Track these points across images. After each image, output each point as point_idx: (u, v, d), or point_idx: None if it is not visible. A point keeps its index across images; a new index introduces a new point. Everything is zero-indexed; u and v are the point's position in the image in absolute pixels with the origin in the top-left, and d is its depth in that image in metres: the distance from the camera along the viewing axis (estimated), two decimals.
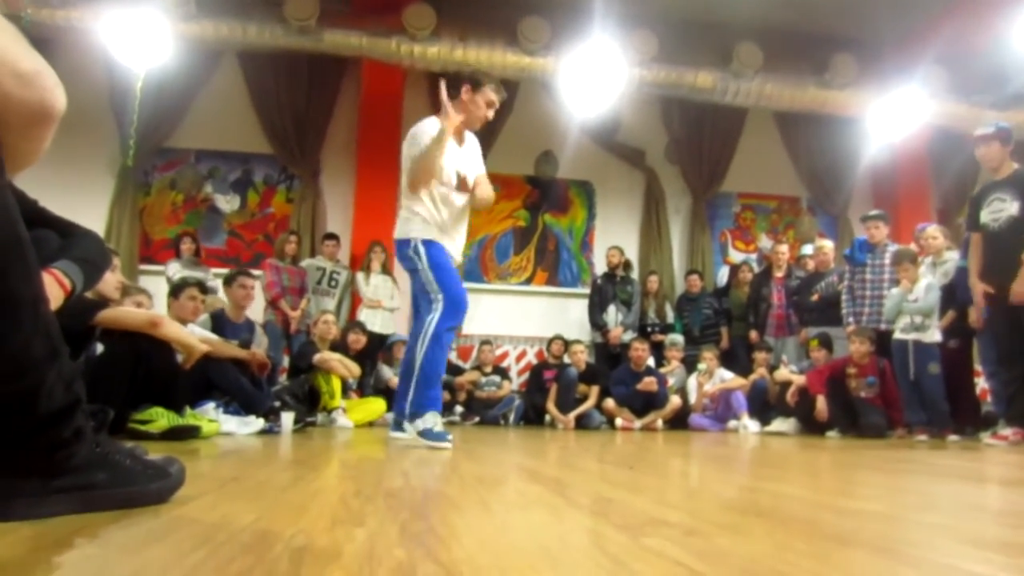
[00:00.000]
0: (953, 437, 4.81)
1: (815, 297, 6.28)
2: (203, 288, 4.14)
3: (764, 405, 6.12)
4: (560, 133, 7.98)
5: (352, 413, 5.07)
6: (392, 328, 6.65)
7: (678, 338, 6.98)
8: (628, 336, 6.89)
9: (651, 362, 6.56)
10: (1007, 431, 4.31)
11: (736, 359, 6.85)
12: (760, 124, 8.49)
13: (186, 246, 6.54)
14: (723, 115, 8.15)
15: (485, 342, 6.97)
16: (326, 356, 5.12)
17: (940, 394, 4.90)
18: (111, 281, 3.30)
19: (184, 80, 7.27)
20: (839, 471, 2.38)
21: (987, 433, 4.66)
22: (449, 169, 3.14)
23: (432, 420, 2.92)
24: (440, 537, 0.94)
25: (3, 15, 0.89)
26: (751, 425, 5.87)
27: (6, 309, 0.91)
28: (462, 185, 3.21)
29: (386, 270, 6.73)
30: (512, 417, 6.54)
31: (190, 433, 3.05)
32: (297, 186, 7.61)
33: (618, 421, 6.23)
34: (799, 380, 5.61)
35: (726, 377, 6.29)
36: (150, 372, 3.06)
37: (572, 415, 6.25)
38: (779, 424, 5.71)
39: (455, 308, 3.06)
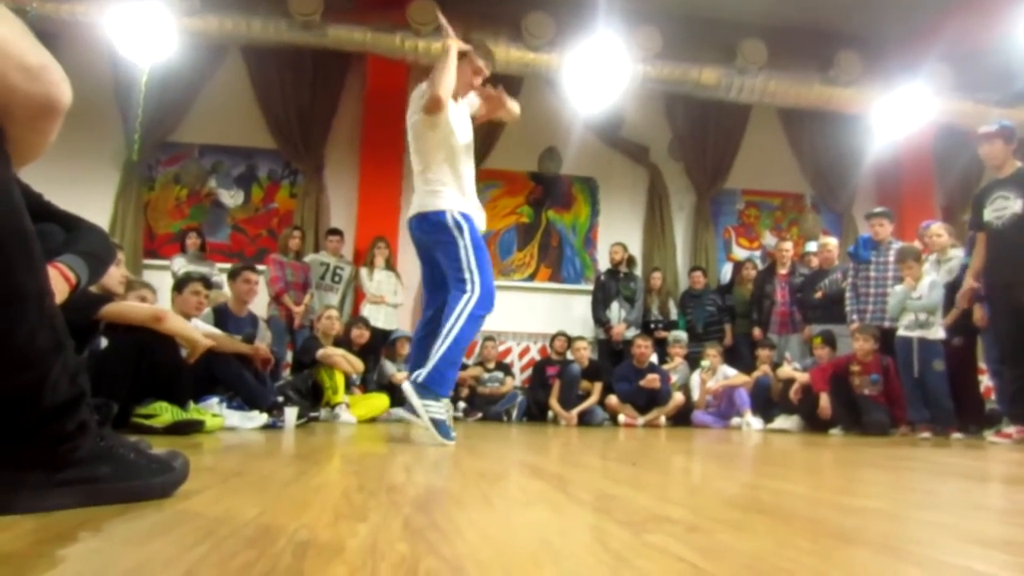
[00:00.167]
0: (957, 435, 4.81)
1: (819, 294, 6.27)
2: (207, 283, 4.15)
3: (767, 402, 6.11)
4: (564, 129, 7.97)
5: (355, 409, 5.08)
6: (395, 324, 6.66)
7: (681, 335, 6.98)
8: (631, 333, 6.89)
9: (654, 359, 6.56)
10: (1011, 429, 4.30)
11: (739, 356, 6.84)
12: (764, 121, 8.47)
13: (191, 241, 6.54)
14: (727, 112, 8.13)
15: (488, 338, 6.98)
16: (329, 351, 5.13)
17: (944, 391, 4.89)
18: (115, 275, 3.31)
19: (188, 75, 7.28)
20: (842, 469, 2.38)
21: (991, 431, 4.65)
22: (457, 129, 3.08)
23: (445, 410, 2.88)
24: (443, 532, 0.94)
25: (9, 9, 0.89)
26: (754, 422, 5.87)
27: (12, 302, 0.91)
28: (490, 98, 3.17)
29: (389, 266, 6.74)
30: (515, 413, 6.55)
31: (193, 428, 3.06)
32: (301, 181, 7.61)
33: (621, 418, 6.23)
34: (802, 377, 5.60)
35: (729, 374, 6.28)
36: (154, 366, 3.07)
37: (575, 411, 6.26)
38: (782, 421, 5.70)
39: (487, 300, 2.97)
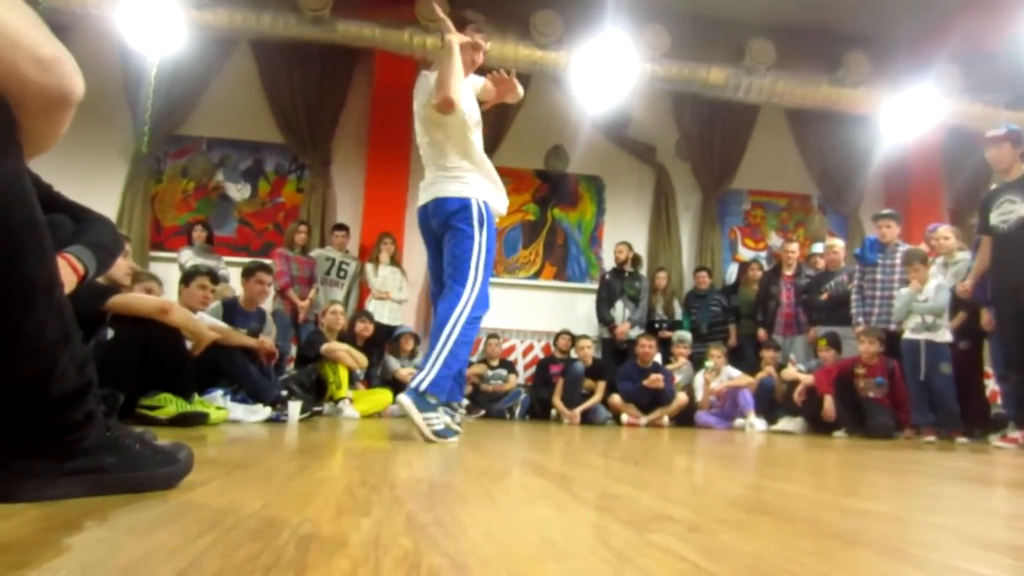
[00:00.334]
0: (962, 439, 4.79)
1: (824, 296, 6.25)
2: (214, 278, 4.16)
3: (771, 404, 6.10)
4: (571, 127, 7.97)
5: (359, 403, 5.09)
6: (400, 320, 6.67)
7: (686, 335, 6.97)
8: (635, 332, 6.89)
9: (658, 358, 6.55)
10: (1016, 434, 4.29)
11: (744, 357, 6.83)
12: (772, 121, 8.45)
13: (197, 234, 6.56)
14: (735, 112, 8.11)
15: (492, 335, 6.98)
16: (334, 346, 5.15)
17: (951, 395, 4.87)
18: (122, 267, 3.33)
19: (197, 68, 7.31)
20: (845, 471, 2.38)
21: (996, 436, 4.63)
22: (468, 113, 3.04)
23: (445, 420, 2.86)
24: (445, 528, 0.94)
25: (22, 0, 0.89)
26: (757, 423, 5.86)
27: (22, 291, 0.92)
28: (502, 82, 3.18)
29: (395, 262, 6.75)
30: (518, 411, 6.55)
31: (198, 420, 3.07)
32: (308, 176, 7.63)
33: (624, 417, 6.23)
34: (807, 379, 5.59)
35: (733, 375, 6.27)
36: (159, 358, 3.08)
37: (578, 410, 6.26)
38: (786, 423, 5.69)
39: (483, 300, 2.94)
